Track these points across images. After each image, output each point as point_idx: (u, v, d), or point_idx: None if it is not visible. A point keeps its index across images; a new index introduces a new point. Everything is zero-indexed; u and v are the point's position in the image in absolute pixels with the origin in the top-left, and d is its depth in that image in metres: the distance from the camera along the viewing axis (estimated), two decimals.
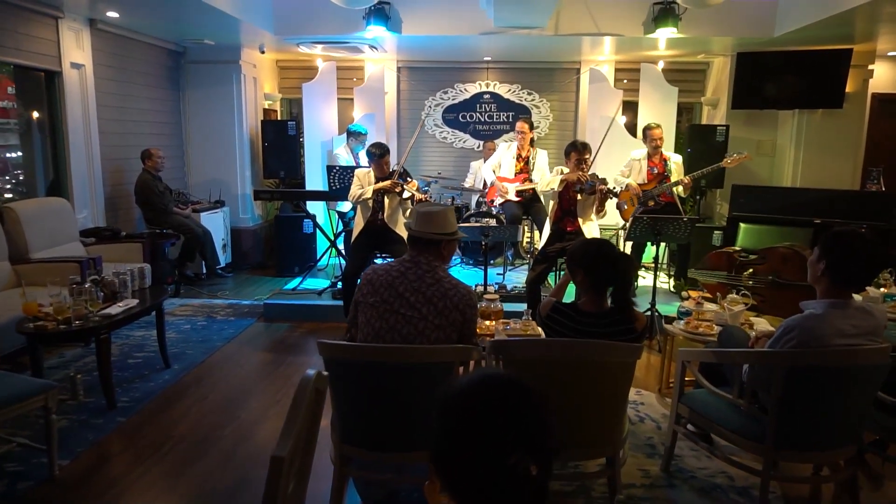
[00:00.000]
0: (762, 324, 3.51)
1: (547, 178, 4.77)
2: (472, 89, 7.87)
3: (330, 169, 5.52)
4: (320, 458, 2.15)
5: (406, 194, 4.54)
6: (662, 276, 6.16)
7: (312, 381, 1.37)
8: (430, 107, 7.93)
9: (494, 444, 0.84)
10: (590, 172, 4.41)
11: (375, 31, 5.85)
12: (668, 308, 4.92)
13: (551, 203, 4.57)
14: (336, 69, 7.49)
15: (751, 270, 5.55)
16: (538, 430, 0.86)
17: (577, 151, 4.38)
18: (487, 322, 3.26)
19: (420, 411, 2.18)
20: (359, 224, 4.73)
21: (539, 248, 4.69)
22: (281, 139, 7.16)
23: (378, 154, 4.59)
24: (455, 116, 7.95)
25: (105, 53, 5.74)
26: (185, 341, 4.60)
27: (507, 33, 6.00)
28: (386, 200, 4.67)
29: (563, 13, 5.96)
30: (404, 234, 4.72)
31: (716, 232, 6.31)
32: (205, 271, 6.35)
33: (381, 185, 4.58)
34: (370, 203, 4.66)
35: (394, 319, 2.28)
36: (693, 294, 5.32)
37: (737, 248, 5.86)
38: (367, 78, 7.59)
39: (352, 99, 7.60)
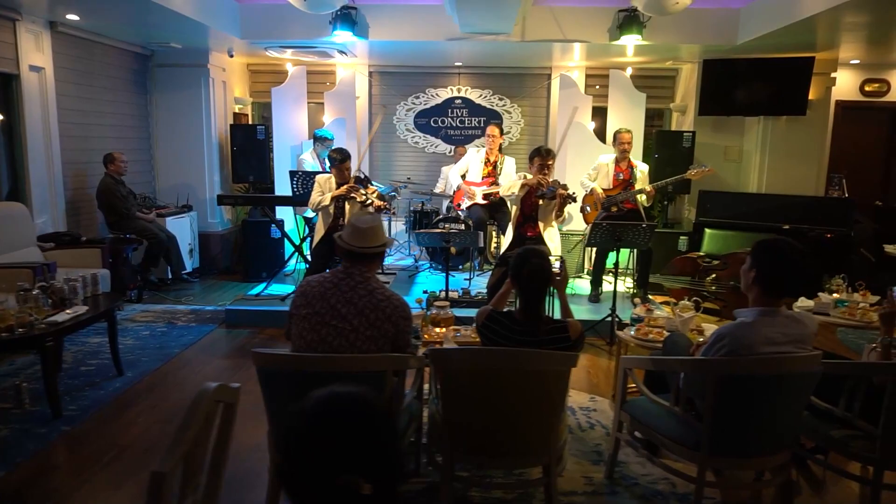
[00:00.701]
0: (711, 331, 3.53)
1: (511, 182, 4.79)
2: (444, 94, 7.88)
3: (293, 174, 5.49)
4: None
5: (366, 200, 4.52)
6: (629, 282, 6.19)
7: (210, 395, 1.35)
8: (401, 111, 7.94)
9: (322, 463, 0.83)
10: (552, 178, 4.43)
11: (342, 36, 5.83)
12: (629, 314, 4.95)
13: (513, 208, 4.58)
14: (307, 73, 7.48)
15: (714, 276, 5.60)
16: (373, 451, 0.85)
17: (540, 157, 4.40)
18: (437, 329, 3.25)
19: None
20: (320, 231, 4.71)
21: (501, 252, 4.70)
22: (250, 144, 7.12)
23: (338, 159, 4.57)
24: (427, 121, 7.95)
25: (66, 56, 5.67)
26: (143, 348, 4.54)
27: (474, 39, 6.01)
28: (347, 206, 4.65)
29: (530, 20, 5.99)
30: None
31: (682, 237, 6.36)
32: (170, 276, 6.28)
33: (337, 191, 4.57)
34: (331, 210, 4.64)
35: (325, 331, 2.27)
36: (659, 300, 5.37)
37: (701, 254, 5.92)
38: (338, 82, 7.56)
39: (322, 103, 7.58)
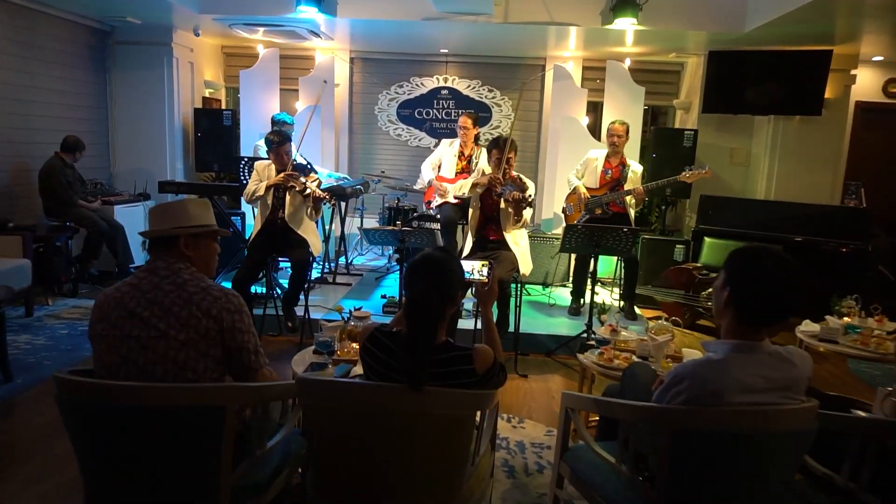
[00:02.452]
0: (693, 356, 2.92)
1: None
2: (430, 84, 7.32)
3: (239, 161, 4.96)
4: None
5: (308, 190, 3.96)
6: (615, 293, 5.58)
7: None
8: (383, 101, 7.39)
9: None
10: (514, 174, 3.84)
11: (307, 11, 5.31)
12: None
13: (470, 210, 4.00)
14: (283, 58, 6.95)
15: (710, 290, 4.98)
16: None
17: (497, 149, 3.82)
18: (355, 345, 2.69)
19: (173, 469, 1.62)
20: (257, 224, 4.16)
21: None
22: (215, 130, 6.62)
23: (276, 142, 4.03)
24: (410, 112, 7.40)
25: (1, 25, 5.18)
26: (52, 349, 4.02)
27: (454, 19, 5.44)
28: (288, 197, 4.10)
29: (514, 0, 5.41)
30: (309, 235, 4.15)
31: (678, 246, 5.74)
32: (117, 270, 5.77)
33: (274, 179, 4.02)
34: (269, 200, 4.10)
35: (126, 347, 1.72)
36: (648, 314, 4.74)
37: (698, 265, 5.31)
38: (315, 67, 7.03)
39: (297, 90, 7.05)
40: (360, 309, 2.75)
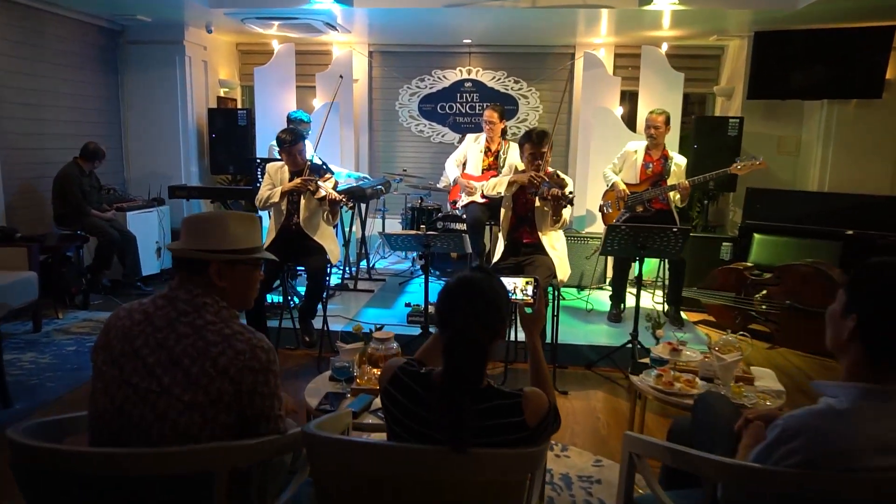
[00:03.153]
0: (766, 379, 2.54)
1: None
2: (452, 76, 6.97)
3: (252, 163, 4.66)
4: None
5: (322, 192, 3.64)
6: (658, 296, 5.18)
7: None
8: (404, 96, 7.06)
9: None
10: (550, 170, 3.47)
11: (322, 2, 5.01)
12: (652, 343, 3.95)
13: (502, 210, 3.64)
14: (299, 53, 6.66)
15: (764, 292, 4.56)
16: None
17: (531, 143, 3.45)
18: (376, 371, 2.36)
19: None
20: (271, 231, 3.86)
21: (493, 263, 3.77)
22: (230, 130, 6.36)
23: (289, 141, 3.71)
24: (433, 107, 7.06)
25: (9, 27, 4.97)
26: (57, 368, 3.77)
27: (477, 5, 5.08)
28: (302, 201, 3.79)
29: None
30: (327, 242, 3.84)
31: (724, 244, 5.30)
32: (123, 279, 5.53)
33: (289, 185, 3.71)
34: (283, 207, 3.79)
35: (122, 395, 1.40)
36: (694, 318, 4.32)
37: (748, 265, 4.87)
38: (332, 63, 6.71)
39: (314, 87, 6.75)
40: (381, 328, 2.42)
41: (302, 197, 3.79)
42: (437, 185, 6.19)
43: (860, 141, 5.63)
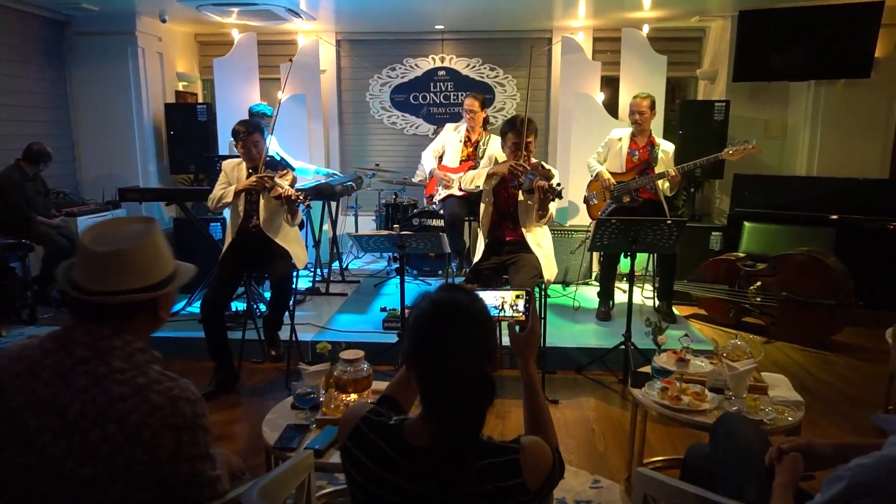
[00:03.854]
0: (781, 387, 2.28)
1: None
2: (425, 65, 6.64)
3: (209, 160, 4.30)
4: None
5: (279, 190, 3.29)
6: (647, 290, 4.94)
7: None
8: (375, 86, 6.72)
9: None
10: (533, 161, 3.18)
11: None
12: (645, 343, 3.70)
13: (482, 205, 3.34)
14: (259, 42, 6.28)
15: (758, 283, 4.34)
16: None
17: (514, 131, 3.16)
18: (345, 396, 2.06)
19: None
20: (228, 234, 3.51)
21: (473, 264, 3.47)
22: (190, 127, 5.96)
23: (243, 132, 3.36)
24: (405, 98, 6.73)
25: None
26: None
27: None
28: (262, 200, 3.45)
29: None
30: (292, 245, 3.51)
31: (714, 233, 5.08)
32: None
33: (244, 184, 3.37)
34: (241, 207, 3.45)
35: (8, 473, 1.08)
36: (685, 312, 4.11)
37: (740, 255, 4.66)
38: (298, 52, 6.34)
39: (278, 79, 6.37)
40: (349, 349, 2.10)
41: (261, 196, 3.45)
42: (413, 180, 5.87)
43: (848, 122, 5.44)
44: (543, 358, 3.49)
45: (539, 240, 3.26)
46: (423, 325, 1.11)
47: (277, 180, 3.36)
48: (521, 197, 3.21)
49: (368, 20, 6.22)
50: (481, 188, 3.28)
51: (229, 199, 3.35)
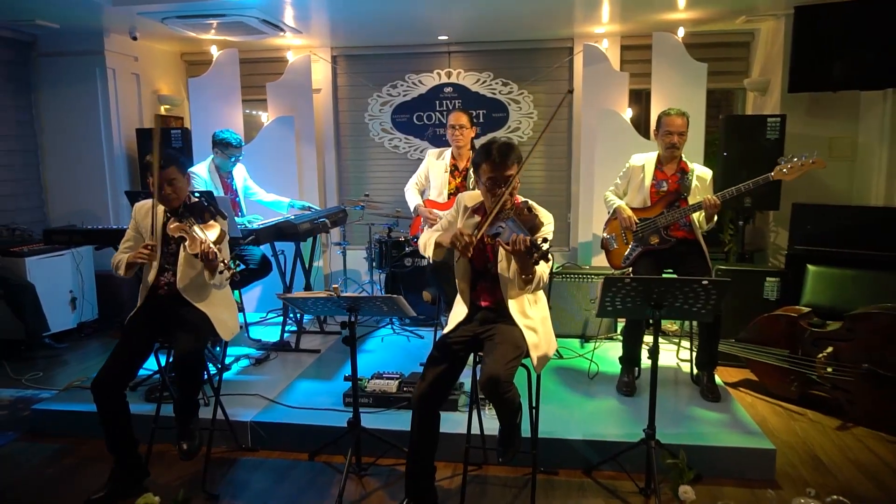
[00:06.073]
0: None
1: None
2: (430, 81, 5.90)
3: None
4: None
5: (198, 247, 2.53)
6: (684, 353, 4.00)
7: None
8: (374, 106, 6.01)
9: None
10: (520, 200, 2.35)
11: None
12: (678, 436, 2.77)
13: (455, 257, 2.50)
14: (245, 61, 5.68)
15: (830, 349, 3.36)
16: None
17: (489, 162, 2.32)
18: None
19: None
20: (140, 295, 2.78)
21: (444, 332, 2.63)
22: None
23: (158, 164, 2.62)
24: (408, 118, 5.99)
25: None
26: None
27: None
28: (181, 254, 2.71)
29: None
30: (216, 310, 2.76)
31: (769, 279, 4.09)
32: (25, 339, 4.53)
33: (133, 255, 2.62)
34: (155, 261, 2.70)
35: None
36: (734, 377, 3.25)
37: (804, 309, 3.67)
38: (286, 70, 5.69)
39: (265, 100, 5.73)
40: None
41: (182, 247, 2.71)
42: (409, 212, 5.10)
43: None
44: (538, 453, 2.62)
45: (525, 308, 2.40)
46: None
47: (199, 232, 2.62)
48: (500, 252, 2.37)
49: (365, 33, 5.53)
50: (433, 258, 2.43)
51: (122, 270, 2.62)
